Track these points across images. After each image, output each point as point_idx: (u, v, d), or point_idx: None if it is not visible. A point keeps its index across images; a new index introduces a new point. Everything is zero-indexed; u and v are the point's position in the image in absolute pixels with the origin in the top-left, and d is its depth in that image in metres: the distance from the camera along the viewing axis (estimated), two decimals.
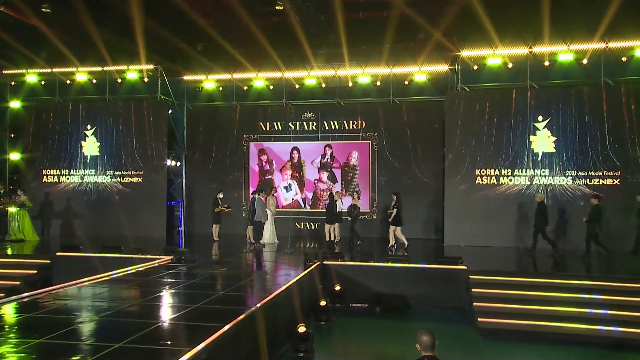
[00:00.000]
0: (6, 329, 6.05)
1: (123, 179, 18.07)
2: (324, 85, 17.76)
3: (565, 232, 14.60)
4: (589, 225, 12.79)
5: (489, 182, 15.58)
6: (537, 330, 8.96)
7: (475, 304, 9.75)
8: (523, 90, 15.53)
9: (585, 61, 14.99)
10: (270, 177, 18.44)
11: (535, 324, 9.05)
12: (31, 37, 16.38)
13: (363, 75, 17.32)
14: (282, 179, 18.40)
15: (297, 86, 18.03)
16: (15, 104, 19.02)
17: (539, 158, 15.26)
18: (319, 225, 17.01)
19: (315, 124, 18.07)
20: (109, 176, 18.19)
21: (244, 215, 17.82)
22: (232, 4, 13.80)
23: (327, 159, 18.07)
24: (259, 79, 18.08)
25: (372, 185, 17.53)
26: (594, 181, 14.76)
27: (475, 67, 15.90)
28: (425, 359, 4.32)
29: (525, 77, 15.55)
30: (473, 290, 10.18)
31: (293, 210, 18.16)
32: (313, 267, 10.83)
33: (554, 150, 15.15)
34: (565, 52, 15.10)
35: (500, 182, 15.49)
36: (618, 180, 14.59)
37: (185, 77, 18.92)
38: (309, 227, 17.99)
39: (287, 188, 18.34)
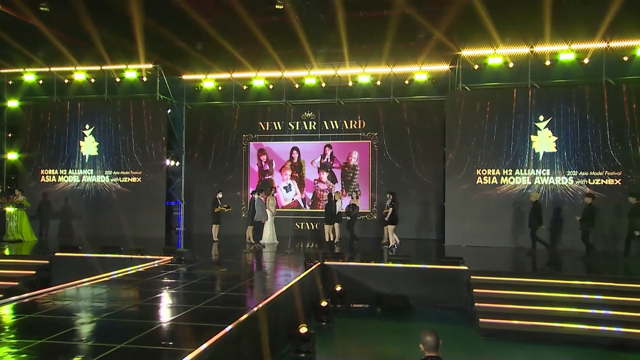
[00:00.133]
0: (7, 330, 6.01)
1: (122, 179, 17.98)
2: (324, 84, 17.69)
3: (567, 233, 14.52)
4: (582, 225, 12.87)
5: (489, 182, 15.54)
6: (538, 330, 8.94)
7: (476, 304, 9.73)
8: (524, 89, 15.49)
9: (586, 61, 14.95)
10: (269, 177, 18.36)
11: (537, 325, 9.03)
12: (29, 36, 16.31)
13: (363, 74, 17.25)
14: (281, 179, 18.32)
15: (296, 86, 17.95)
16: (12, 104, 18.88)
17: (540, 158, 15.22)
18: (319, 226, 16.92)
19: (315, 123, 18.00)
20: (107, 176, 18.09)
21: (243, 215, 17.74)
22: (232, 2, 13.75)
23: (327, 159, 18.00)
24: (259, 79, 17.99)
25: (372, 185, 17.46)
26: (595, 181, 14.72)
27: (476, 67, 15.86)
28: None
29: (526, 77, 15.51)
30: (474, 290, 10.15)
31: (293, 210, 18.09)
32: (314, 267, 10.79)
33: (555, 150, 15.11)
34: (566, 52, 15.06)
35: (501, 182, 15.45)
36: (619, 180, 14.55)
37: (185, 77, 18.84)
38: (309, 228, 17.92)
39: (287, 188, 18.27)
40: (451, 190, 15.87)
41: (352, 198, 15.98)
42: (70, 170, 18.32)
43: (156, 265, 11.05)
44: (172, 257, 11.55)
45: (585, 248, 12.90)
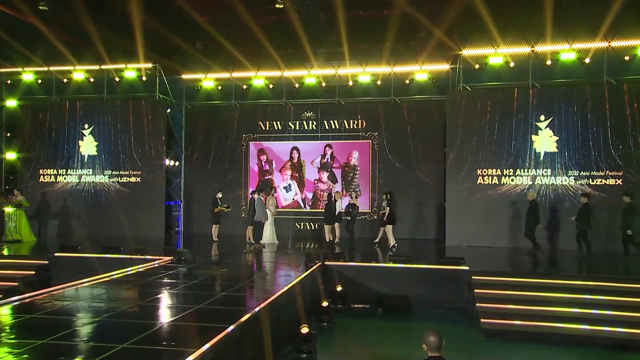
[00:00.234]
0: (8, 331, 6.00)
1: (121, 179, 17.92)
2: (324, 84, 17.64)
3: (568, 233, 14.46)
4: (578, 224, 12.92)
5: (490, 182, 15.49)
6: (540, 331, 8.94)
7: (477, 304, 9.70)
8: (525, 89, 15.45)
9: (587, 60, 14.91)
10: (269, 177, 18.29)
11: (538, 325, 9.03)
12: (28, 35, 16.27)
13: (363, 74, 17.20)
14: (281, 179, 18.27)
15: (297, 85, 17.89)
16: (11, 103, 18.82)
17: (541, 158, 15.18)
18: (319, 226, 16.87)
19: (315, 123, 17.95)
20: (106, 176, 18.03)
21: (243, 215, 17.69)
22: (232, 1, 13.70)
23: (327, 159, 17.94)
24: (259, 78, 17.94)
25: (373, 185, 17.40)
26: (597, 181, 14.69)
27: (477, 66, 15.82)
28: None
29: (527, 76, 15.48)
30: (476, 291, 10.13)
31: (293, 210, 18.03)
32: (314, 267, 10.76)
33: (556, 150, 15.07)
34: (567, 51, 15.02)
35: (502, 182, 15.41)
36: (620, 180, 14.52)
37: (184, 76, 18.76)
38: (309, 228, 17.86)
39: (287, 188, 18.21)
40: (452, 190, 15.82)
41: (351, 198, 15.92)
42: (69, 170, 18.26)
43: (156, 265, 11.01)
44: (172, 257, 11.51)
45: (586, 248, 12.88)
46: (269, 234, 15.04)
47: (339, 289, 10.80)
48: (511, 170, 15.37)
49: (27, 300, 7.50)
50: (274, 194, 15.93)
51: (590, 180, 14.73)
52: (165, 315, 7.09)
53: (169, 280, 9.50)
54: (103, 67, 18.12)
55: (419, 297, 10.90)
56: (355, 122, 17.72)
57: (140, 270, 10.36)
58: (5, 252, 13.39)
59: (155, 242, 15.02)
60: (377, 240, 14.96)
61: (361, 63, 17.11)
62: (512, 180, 15.34)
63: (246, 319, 6.45)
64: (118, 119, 18.03)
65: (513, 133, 15.39)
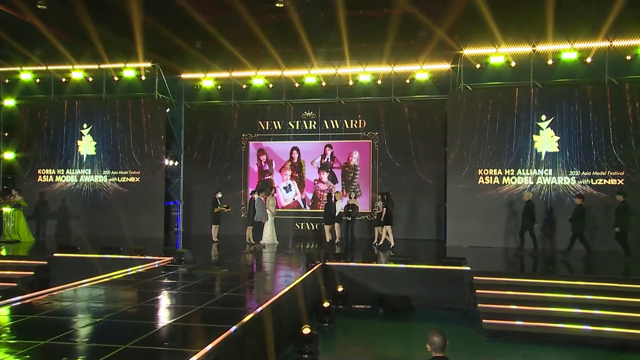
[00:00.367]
0: (9, 331, 5.97)
1: (120, 179, 17.84)
2: (324, 83, 17.57)
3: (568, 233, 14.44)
4: (573, 225, 12.95)
5: (491, 182, 15.45)
6: (542, 331, 8.93)
7: (479, 305, 9.68)
8: (526, 89, 15.40)
9: (589, 60, 14.88)
10: (269, 177, 18.22)
11: (540, 326, 9.02)
12: (26, 34, 16.18)
13: (364, 73, 17.13)
14: (281, 180, 18.19)
15: (297, 85, 17.81)
16: (9, 102, 18.72)
17: (542, 158, 15.13)
18: (319, 226, 16.81)
19: (315, 123, 17.88)
20: (105, 176, 17.94)
21: (243, 215, 17.61)
22: (231, 1, 13.64)
23: (328, 159, 17.87)
24: (258, 77, 17.86)
25: (373, 186, 17.32)
26: (598, 181, 14.65)
27: (478, 66, 15.78)
28: None
29: (529, 76, 15.43)
30: (477, 291, 10.09)
31: (293, 210, 17.96)
32: (315, 268, 10.71)
33: (558, 150, 15.03)
34: (568, 51, 14.98)
35: (503, 182, 15.36)
36: (622, 180, 14.48)
37: (183, 75, 18.67)
38: (309, 228, 17.79)
39: (287, 188, 18.14)
40: (452, 190, 15.77)
41: (350, 198, 15.83)
42: (67, 170, 18.17)
43: (156, 266, 10.96)
44: (172, 258, 11.44)
45: (585, 248, 12.93)
46: (269, 234, 14.98)
47: (340, 289, 10.78)
48: (512, 170, 15.32)
49: (28, 300, 7.45)
50: (274, 194, 15.86)
51: (592, 180, 14.69)
52: (167, 316, 7.06)
53: (169, 281, 9.47)
54: (102, 66, 18.03)
55: (420, 298, 10.87)
56: (356, 121, 17.66)
57: (140, 270, 10.30)
58: (3, 253, 13.31)
59: (155, 243, 14.96)
60: (376, 242, 14.89)
61: (361, 62, 17.04)
62: (514, 180, 15.30)
63: (248, 319, 6.43)
64: (117, 118, 17.95)
65: (514, 133, 15.34)
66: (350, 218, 14.97)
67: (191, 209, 18.91)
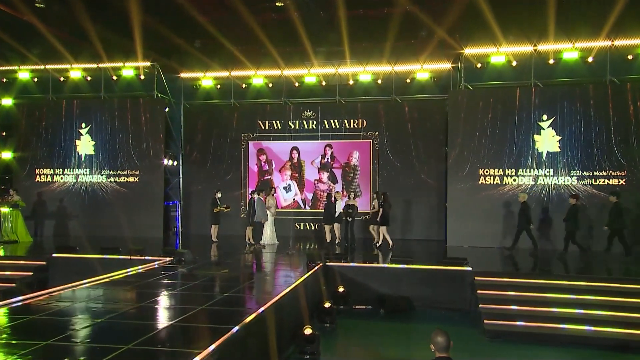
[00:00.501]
0: (10, 332, 5.93)
1: (119, 179, 17.74)
2: (324, 83, 17.50)
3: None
4: (567, 225, 13.01)
5: (492, 182, 15.39)
6: (544, 332, 8.93)
7: (481, 305, 9.64)
8: (527, 88, 15.34)
9: (590, 59, 14.83)
10: (269, 177, 18.13)
11: (542, 326, 9.02)
12: (24, 33, 16.07)
13: (364, 73, 17.06)
14: (281, 180, 18.10)
15: (296, 84, 17.73)
16: (7, 102, 18.61)
17: (544, 157, 15.09)
18: (319, 226, 16.76)
19: (315, 122, 17.80)
20: (104, 175, 17.84)
21: (242, 215, 17.53)
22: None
23: (328, 159, 17.80)
24: (258, 77, 17.79)
25: (374, 186, 17.22)
26: (600, 181, 14.61)
27: (479, 65, 15.73)
28: None
29: (530, 76, 15.37)
30: (479, 291, 10.05)
31: (293, 210, 17.88)
32: (316, 268, 10.67)
33: (559, 150, 14.99)
34: (570, 50, 14.93)
35: (504, 182, 15.31)
36: (624, 180, 14.44)
37: (183, 75, 18.59)
38: (309, 228, 17.72)
39: (287, 189, 18.06)
40: (453, 190, 15.71)
41: (349, 198, 15.74)
42: (66, 169, 18.07)
43: (156, 266, 10.91)
44: (172, 258, 11.39)
45: (564, 247, 13.09)
46: (269, 234, 14.93)
47: (341, 289, 10.74)
48: (513, 170, 15.27)
49: (28, 301, 7.42)
50: (274, 194, 15.79)
51: (593, 180, 14.65)
52: (168, 316, 7.03)
53: (169, 281, 9.43)
54: (100, 65, 17.95)
55: (421, 298, 10.84)
56: (356, 121, 17.59)
57: (140, 271, 10.25)
58: (1, 253, 13.24)
59: (154, 243, 14.93)
60: (376, 242, 14.83)
61: (362, 62, 16.98)
62: (515, 180, 15.24)
63: (250, 319, 6.41)
64: (116, 118, 17.85)
65: (515, 133, 15.28)
66: (350, 218, 14.92)
67: (190, 209, 18.81)
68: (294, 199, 18.03)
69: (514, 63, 15.47)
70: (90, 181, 17.89)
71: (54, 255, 12.11)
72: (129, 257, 11.51)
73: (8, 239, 15.04)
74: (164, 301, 7.91)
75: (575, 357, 8.31)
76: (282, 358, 7.48)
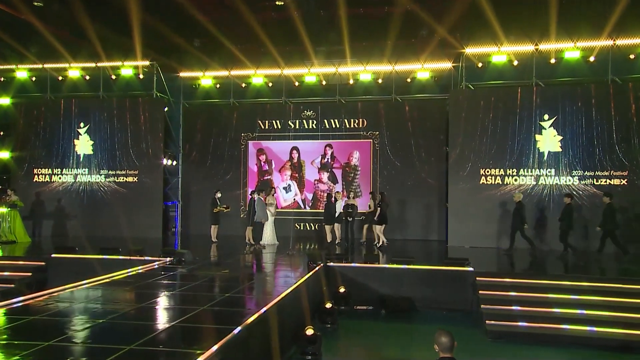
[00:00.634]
0: (11, 332, 5.89)
1: (118, 179, 17.64)
2: (324, 82, 17.42)
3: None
4: (561, 224, 13.04)
5: (493, 182, 15.34)
6: (546, 332, 8.91)
7: (482, 306, 9.61)
8: (528, 88, 15.29)
9: (592, 59, 14.78)
10: (269, 177, 18.05)
11: (544, 327, 9.00)
12: (22, 32, 16.01)
13: (364, 72, 16.99)
14: (281, 180, 18.02)
15: (296, 83, 17.65)
16: (4, 101, 18.48)
17: (545, 157, 15.04)
18: (319, 226, 16.71)
19: (315, 122, 17.73)
20: (103, 175, 17.74)
21: (242, 215, 17.45)
22: None
23: (328, 159, 17.72)
24: (258, 76, 17.70)
25: (374, 186, 17.15)
26: (601, 181, 14.56)
27: (480, 65, 15.68)
28: None
29: (531, 75, 15.32)
30: (480, 292, 10.01)
31: (293, 210, 17.81)
32: (317, 268, 10.61)
33: (560, 150, 14.93)
34: (571, 50, 14.89)
35: (505, 182, 15.26)
36: (625, 180, 14.40)
37: (182, 74, 18.51)
38: (309, 228, 17.65)
39: (287, 189, 17.97)
40: (454, 190, 15.66)
41: (349, 198, 15.68)
42: (64, 169, 17.97)
43: (156, 266, 10.83)
44: (171, 259, 11.31)
45: (567, 247, 13.09)
46: (269, 234, 14.85)
47: (342, 290, 10.67)
48: (514, 170, 15.22)
49: (29, 301, 7.38)
50: (274, 195, 15.72)
51: (595, 180, 14.60)
52: (169, 317, 6.99)
53: (170, 282, 9.38)
54: (99, 64, 17.86)
55: (422, 299, 10.79)
56: (356, 121, 17.52)
57: (140, 271, 10.17)
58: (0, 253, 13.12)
59: (153, 243, 14.84)
60: (377, 242, 14.79)
61: (362, 61, 16.91)
62: (516, 180, 15.19)
63: (253, 320, 6.37)
64: (114, 117, 17.75)
65: (516, 132, 15.24)
66: (350, 218, 14.86)
67: (189, 209, 18.72)
68: (294, 199, 17.95)
69: (515, 62, 15.42)
70: (89, 181, 17.79)
71: (53, 255, 12.02)
72: (128, 257, 11.44)
73: (6, 240, 14.92)
74: (164, 302, 7.86)
75: (576, 357, 8.28)
76: (284, 359, 7.44)
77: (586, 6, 13.98)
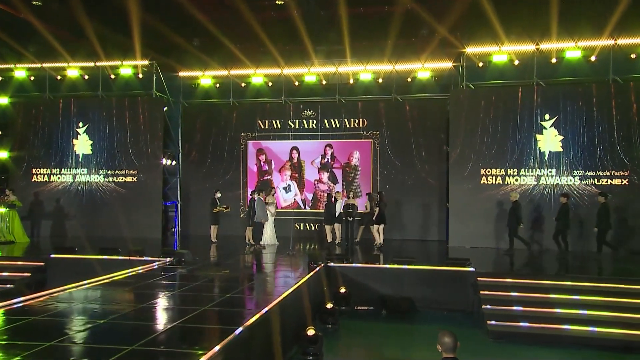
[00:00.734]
0: (12, 333, 5.87)
1: (117, 179, 17.57)
2: (324, 82, 17.36)
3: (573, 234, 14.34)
4: (558, 224, 13.07)
5: (494, 182, 15.29)
6: (547, 333, 8.91)
7: (483, 306, 9.59)
8: (529, 87, 15.24)
9: (593, 58, 14.73)
10: (269, 177, 17.99)
11: (546, 327, 9.00)
12: (20, 31, 15.95)
13: (365, 72, 16.93)
14: (281, 180, 17.96)
15: (296, 83, 17.59)
16: (3, 100, 18.39)
17: (546, 157, 14.99)
18: (319, 226, 16.66)
19: (315, 122, 17.67)
20: (102, 175, 17.67)
21: (242, 216, 17.40)
22: None
23: (328, 159, 17.67)
24: (258, 76, 17.63)
25: (374, 186, 17.10)
26: (602, 181, 14.52)
27: (480, 64, 15.63)
28: None
29: (532, 75, 15.26)
30: (481, 292, 9.99)
31: (293, 211, 17.75)
32: (318, 268, 10.58)
33: (561, 150, 14.89)
34: (572, 49, 14.84)
35: (506, 182, 15.20)
36: (626, 180, 14.37)
37: (181, 73, 18.43)
38: (309, 228, 17.60)
39: (287, 189, 17.92)
40: (455, 190, 15.60)
41: (349, 198, 15.63)
42: (63, 169, 17.88)
43: (156, 267, 10.79)
44: (171, 259, 11.27)
45: (564, 247, 13.14)
46: (269, 234, 14.80)
47: (343, 290, 10.64)
48: (515, 169, 15.17)
49: (29, 302, 7.34)
50: (274, 195, 15.67)
51: (596, 180, 14.56)
52: (170, 317, 6.96)
53: (170, 282, 9.36)
54: (98, 64, 17.77)
55: (423, 299, 10.76)
56: (356, 121, 17.47)
57: (140, 272, 10.13)
58: None
59: (153, 243, 14.81)
60: (379, 241, 14.77)
61: (362, 61, 16.86)
62: (517, 180, 15.14)
63: (254, 320, 6.36)
64: (113, 117, 17.68)
65: (517, 132, 15.18)
66: (351, 218, 14.83)
67: (189, 209, 18.66)
68: (294, 199, 17.90)
69: (516, 62, 15.36)
70: (88, 181, 17.72)
71: (52, 255, 11.98)
72: (128, 257, 11.39)
73: (5, 240, 14.88)
74: (165, 302, 7.84)
75: (578, 358, 8.27)
76: (285, 359, 7.41)
77: (587, 5, 13.95)
